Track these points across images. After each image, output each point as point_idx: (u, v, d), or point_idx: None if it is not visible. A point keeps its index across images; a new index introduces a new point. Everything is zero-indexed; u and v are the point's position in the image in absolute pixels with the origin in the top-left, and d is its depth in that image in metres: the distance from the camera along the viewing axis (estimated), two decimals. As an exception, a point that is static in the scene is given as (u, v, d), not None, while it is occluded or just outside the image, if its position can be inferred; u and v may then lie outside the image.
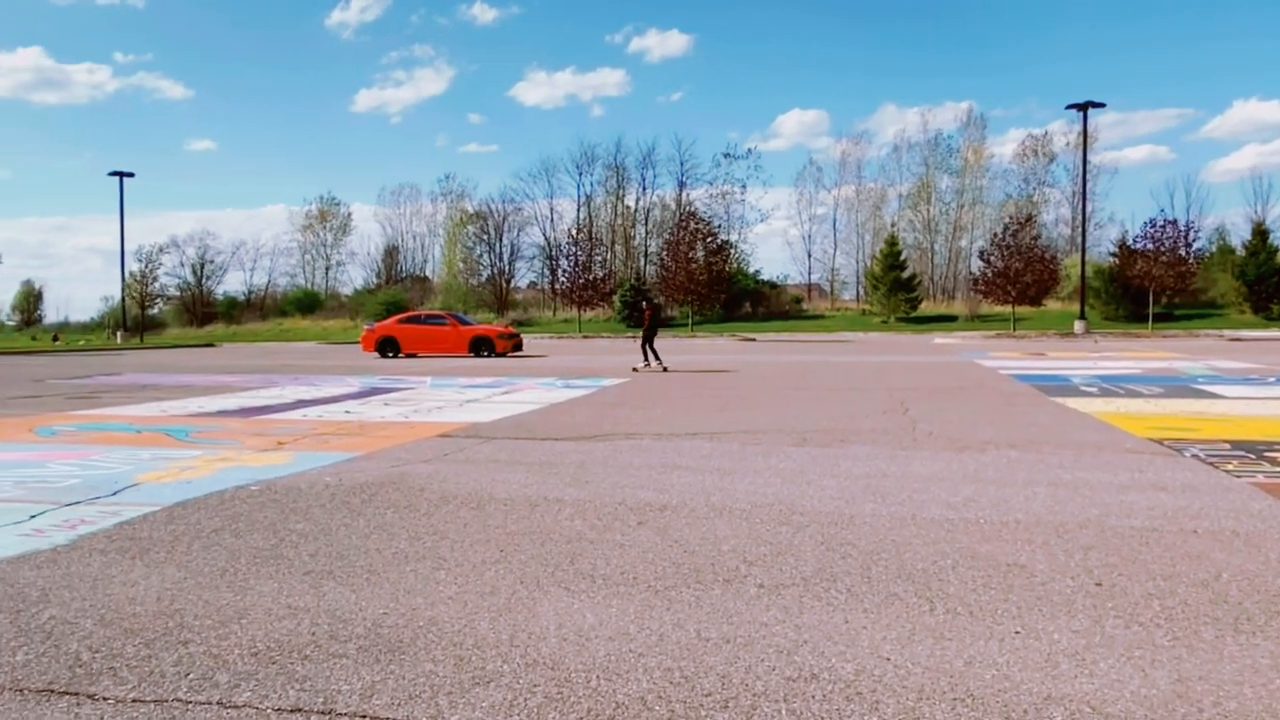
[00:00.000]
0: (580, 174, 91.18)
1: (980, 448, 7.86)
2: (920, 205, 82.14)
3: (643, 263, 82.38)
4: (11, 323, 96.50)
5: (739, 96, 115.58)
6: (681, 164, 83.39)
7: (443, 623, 3.45)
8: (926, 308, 68.92)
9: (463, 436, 8.96)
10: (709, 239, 64.52)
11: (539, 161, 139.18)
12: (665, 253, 65.75)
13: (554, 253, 77.43)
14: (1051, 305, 61.78)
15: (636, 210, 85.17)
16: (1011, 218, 61.60)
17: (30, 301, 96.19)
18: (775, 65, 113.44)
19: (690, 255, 62.56)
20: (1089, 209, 57.83)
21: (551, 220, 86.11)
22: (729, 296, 67.96)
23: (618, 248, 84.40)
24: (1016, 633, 3.31)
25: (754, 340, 46.17)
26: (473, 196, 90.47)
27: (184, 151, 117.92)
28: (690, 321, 62.76)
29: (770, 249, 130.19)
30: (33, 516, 5.42)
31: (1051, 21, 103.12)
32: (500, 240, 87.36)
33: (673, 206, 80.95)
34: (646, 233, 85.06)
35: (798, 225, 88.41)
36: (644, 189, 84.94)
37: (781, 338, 49.18)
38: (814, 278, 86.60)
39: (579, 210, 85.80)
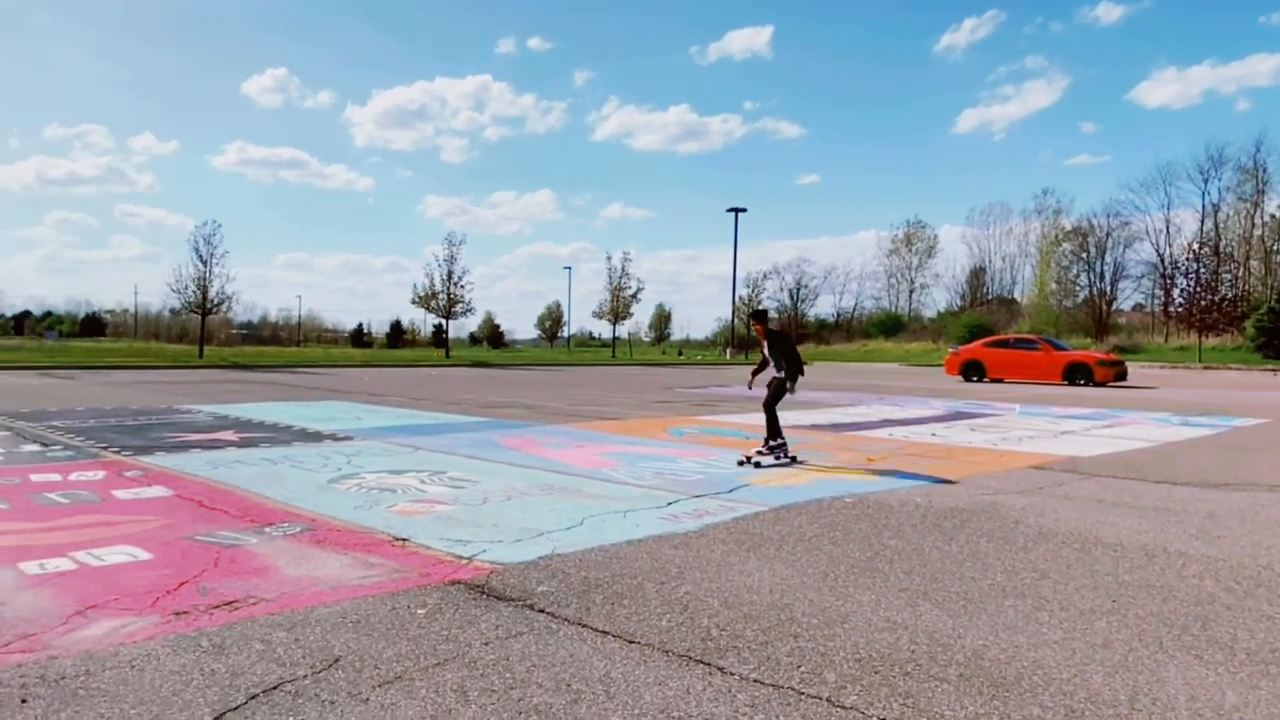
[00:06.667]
0: (1205, 180, 78.95)
1: None
2: None
3: (1288, 280, 68.25)
4: (647, 339, 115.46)
5: None
6: (1355, 158, 67.17)
7: (1049, 667, 3.22)
8: None
9: (1059, 470, 8.33)
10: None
11: (1153, 169, 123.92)
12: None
13: (1168, 271, 67.97)
14: None
15: (1281, 218, 70.91)
16: None
17: (662, 321, 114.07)
18: None
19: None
20: None
21: (1166, 234, 75.81)
22: None
23: (1253, 263, 71.18)
24: None
25: None
26: (1070, 212, 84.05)
27: (791, 186, 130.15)
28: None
29: None
30: (669, 504, 6.38)
31: None
32: (1101, 258, 79.56)
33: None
34: (1295, 245, 70.32)
35: None
36: (1293, 192, 70.39)
37: None
38: None
39: (1202, 221, 74.15)
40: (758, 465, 8.17)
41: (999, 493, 7.00)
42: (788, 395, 8.63)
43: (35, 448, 8.79)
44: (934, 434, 11.64)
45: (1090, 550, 5.10)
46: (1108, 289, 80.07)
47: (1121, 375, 26.16)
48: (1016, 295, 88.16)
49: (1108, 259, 79.49)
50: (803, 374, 8.74)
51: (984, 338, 33.72)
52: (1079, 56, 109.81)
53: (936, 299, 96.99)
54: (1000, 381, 27.03)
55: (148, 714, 2.69)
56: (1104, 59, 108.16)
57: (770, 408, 8.59)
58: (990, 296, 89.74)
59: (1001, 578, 4.47)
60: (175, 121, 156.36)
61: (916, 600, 4.04)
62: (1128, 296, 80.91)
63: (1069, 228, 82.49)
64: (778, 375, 8.72)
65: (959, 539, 5.33)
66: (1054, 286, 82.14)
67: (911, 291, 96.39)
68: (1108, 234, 79.21)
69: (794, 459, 8.54)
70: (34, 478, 7.01)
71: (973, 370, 27.78)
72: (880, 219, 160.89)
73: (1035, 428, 12.62)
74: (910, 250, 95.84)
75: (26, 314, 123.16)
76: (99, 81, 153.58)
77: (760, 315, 8.95)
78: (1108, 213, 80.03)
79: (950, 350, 30.67)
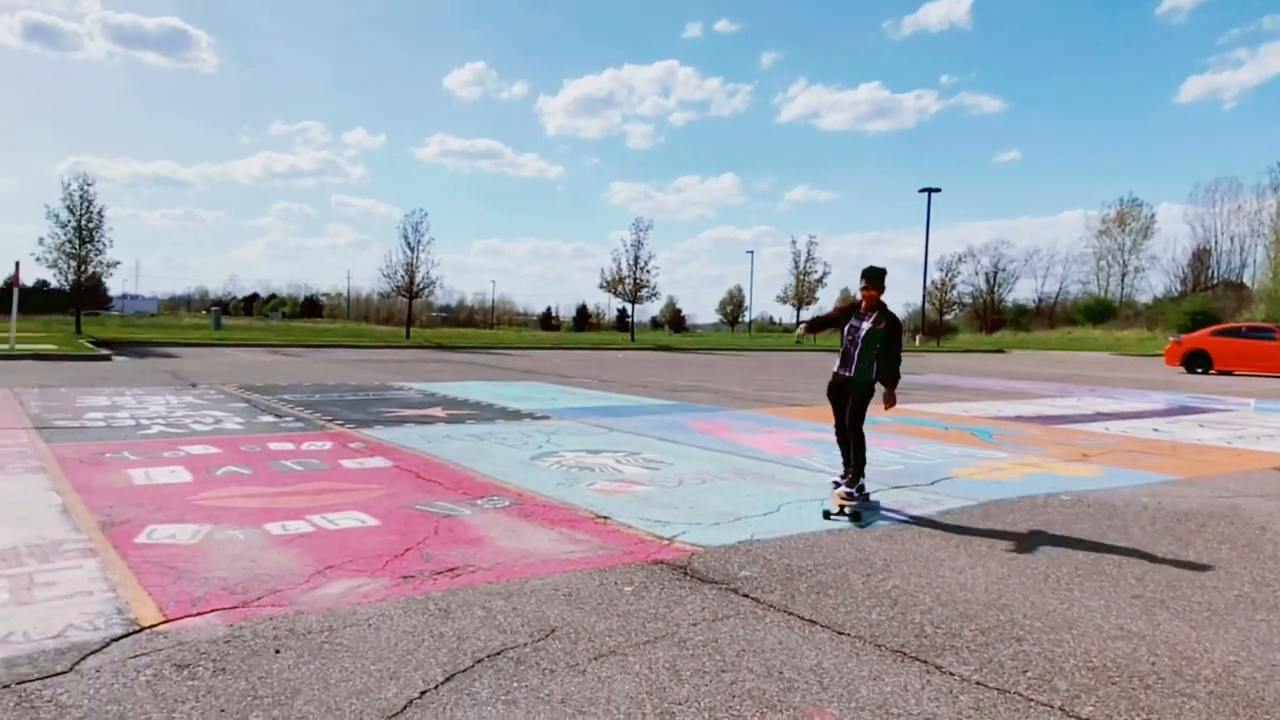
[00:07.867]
0: None
1: None
2: None
3: None
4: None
5: None
6: None
7: (1316, 693, 2.89)
8: None
9: (1310, 473, 7.49)
10: None
11: None
12: None
13: None
14: None
15: None
16: None
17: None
18: None
19: None
20: None
21: None
22: None
23: None
24: None
25: None
26: (1313, 187, 75.07)
27: (989, 164, 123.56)
28: None
29: None
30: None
31: None
32: (1353, 238, 70.68)
33: None
34: None
35: None
36: None
37: None
38: None
39: None
40: (857, 518, 5.33)
41: (1238, 495, 6.37)
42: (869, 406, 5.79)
43: (270, 419, 9.64)
44: (1155, 429, 10.74)
45: (1357, 564, 4.54)
46: (1361, 272, 70.92)
47: (1379, 369, 23.21)
48: (1246, 280, 79.65)
49: (1362, 238, 70.36)
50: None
51: (1209, 325, 30.79)
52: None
53: (1153, 283, 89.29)
54: (1229, 374, 24.63)
55: (386, 671, 2.87)
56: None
57: (858, 427, 5.70)
58: (1216, 281, 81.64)
59: (1249, 589, 4.06)
60: (384, 116, 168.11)
61: (1153, 608, 3.73)
62: (1387, 281, 71.37)
63: (1314, 203, 73.68)
64: (855, 375, 5.69)
65: (1195, 544, 4.88)
66: (1293, 269, 73.72)
67: (1124, 275, 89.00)
68: (1363, 210, 70.15)
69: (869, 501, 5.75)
70: (271, 446, 7.69)
71: (1197, 361, 25.45)
72: (1089, 197, 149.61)
73: (1276, 425, 11.40)
74: (1123, 231, 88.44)
75: (255, 296, 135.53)
76: (317, 81, 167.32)
77: (877, 277, 5.83)
78: (1360, 187, 70.74)
79: (1171, 339, 28.18)
